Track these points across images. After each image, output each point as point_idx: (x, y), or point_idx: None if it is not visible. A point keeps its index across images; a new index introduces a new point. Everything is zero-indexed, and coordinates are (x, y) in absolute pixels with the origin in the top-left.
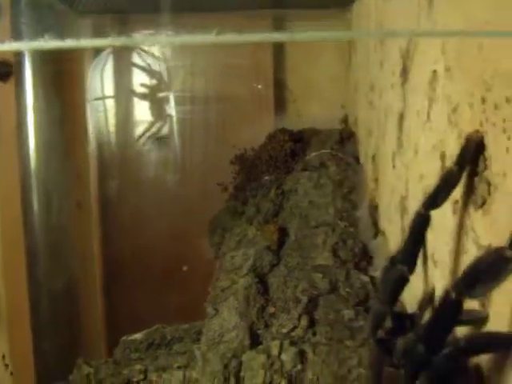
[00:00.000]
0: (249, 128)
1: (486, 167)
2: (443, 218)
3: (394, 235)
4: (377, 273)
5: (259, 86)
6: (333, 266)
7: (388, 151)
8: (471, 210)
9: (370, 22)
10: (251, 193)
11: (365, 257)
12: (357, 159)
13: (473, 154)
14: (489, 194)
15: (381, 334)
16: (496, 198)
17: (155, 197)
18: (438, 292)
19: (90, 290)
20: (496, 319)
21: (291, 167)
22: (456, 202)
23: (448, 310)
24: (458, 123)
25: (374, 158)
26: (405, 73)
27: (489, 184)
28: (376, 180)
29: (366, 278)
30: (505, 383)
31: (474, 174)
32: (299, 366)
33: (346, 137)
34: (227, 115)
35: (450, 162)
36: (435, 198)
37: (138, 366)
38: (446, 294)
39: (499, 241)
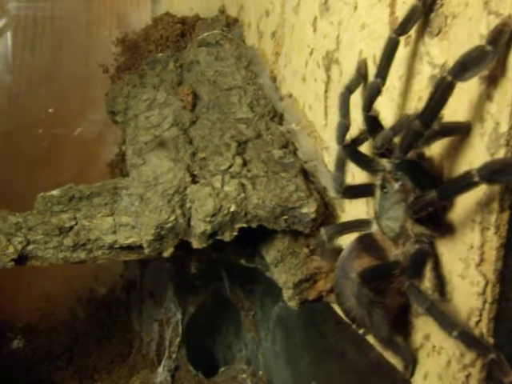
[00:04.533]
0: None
1: (442, 5)
2: None
3: (311, 90)
4: (291, 126)
5: None
6: (253, 118)
7: (305, 20)
8: (426, 39)
9: None
10: (149, 66)
11: (277, 113)
12: (243, 41)
13: None
14: (445, 24)
15: (347, 141)
16: (455, 23)
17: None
18: (383, 115)
19: None
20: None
21: (183, 46)
22: (409, 36)
23: (444, 89)
24: None
25: (274, 34)
26: None
27: (446, 17)
28: (277, 53)
29: (283, 128)
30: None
31: (429, 11)
32: (243, 195)
33: (231, 22)
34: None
35: (401, 9)
36: (405, 27)
37: (65, 215)
38: (442, 78)
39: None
